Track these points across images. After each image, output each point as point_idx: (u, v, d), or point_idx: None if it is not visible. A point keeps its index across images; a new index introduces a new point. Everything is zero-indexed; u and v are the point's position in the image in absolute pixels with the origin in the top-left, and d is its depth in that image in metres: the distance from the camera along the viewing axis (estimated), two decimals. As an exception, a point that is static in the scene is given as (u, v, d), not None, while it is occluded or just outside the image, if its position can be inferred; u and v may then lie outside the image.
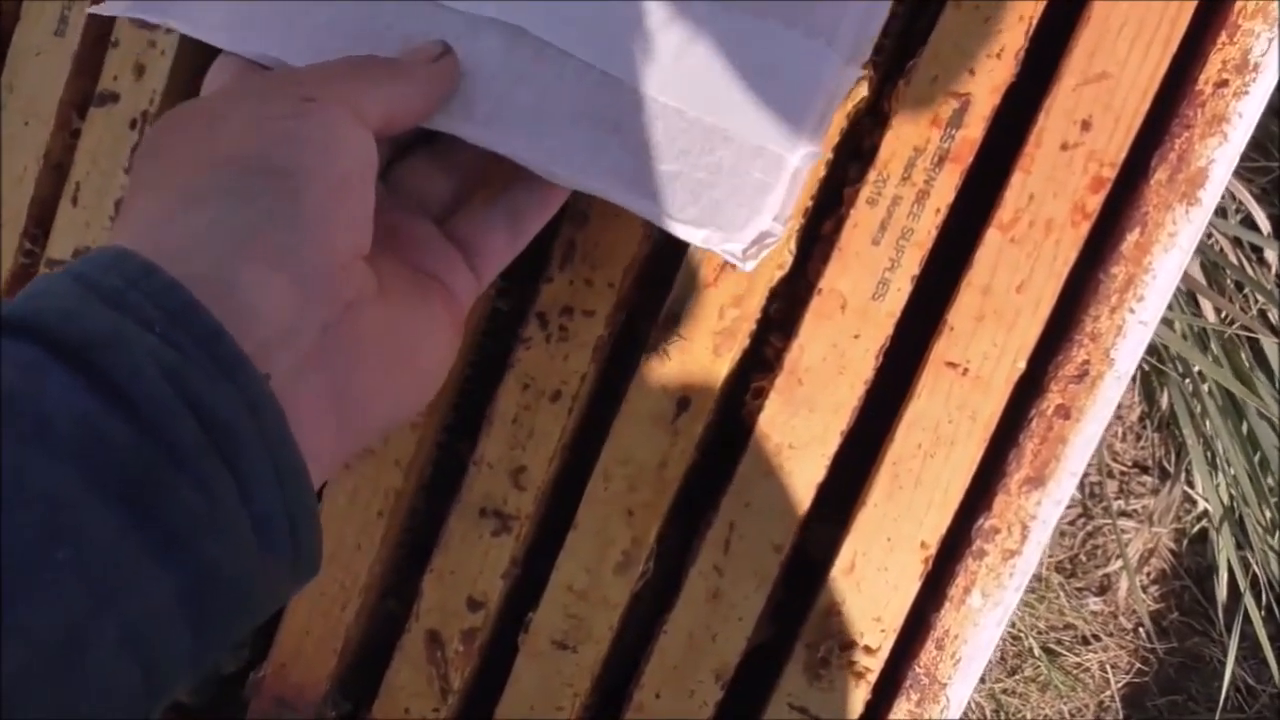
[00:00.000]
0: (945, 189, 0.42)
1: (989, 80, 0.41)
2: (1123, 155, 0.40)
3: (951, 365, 0.42)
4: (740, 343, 0.45)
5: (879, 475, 0.44)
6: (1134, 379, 1.11)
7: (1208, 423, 1.00)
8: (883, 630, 0.44)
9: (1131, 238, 0.40)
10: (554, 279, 0.46)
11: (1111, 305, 0.40)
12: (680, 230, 0.39)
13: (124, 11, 0.42)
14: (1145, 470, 1.15)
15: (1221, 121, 0.39)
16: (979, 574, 0.43)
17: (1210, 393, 0.99)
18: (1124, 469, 1.16)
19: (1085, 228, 0.41)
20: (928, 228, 0.42)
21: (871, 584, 0.44)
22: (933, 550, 0.43)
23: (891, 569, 0.44)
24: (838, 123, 0.43)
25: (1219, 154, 0.39)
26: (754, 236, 0.40)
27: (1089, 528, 1.18)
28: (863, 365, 0.43)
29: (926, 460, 0.43)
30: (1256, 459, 0.99)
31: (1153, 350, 1.02)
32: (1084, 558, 1.18)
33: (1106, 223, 0.41)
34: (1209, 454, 1.03)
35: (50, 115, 0.50)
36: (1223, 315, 0.94)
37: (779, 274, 0.45)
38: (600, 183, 0.40)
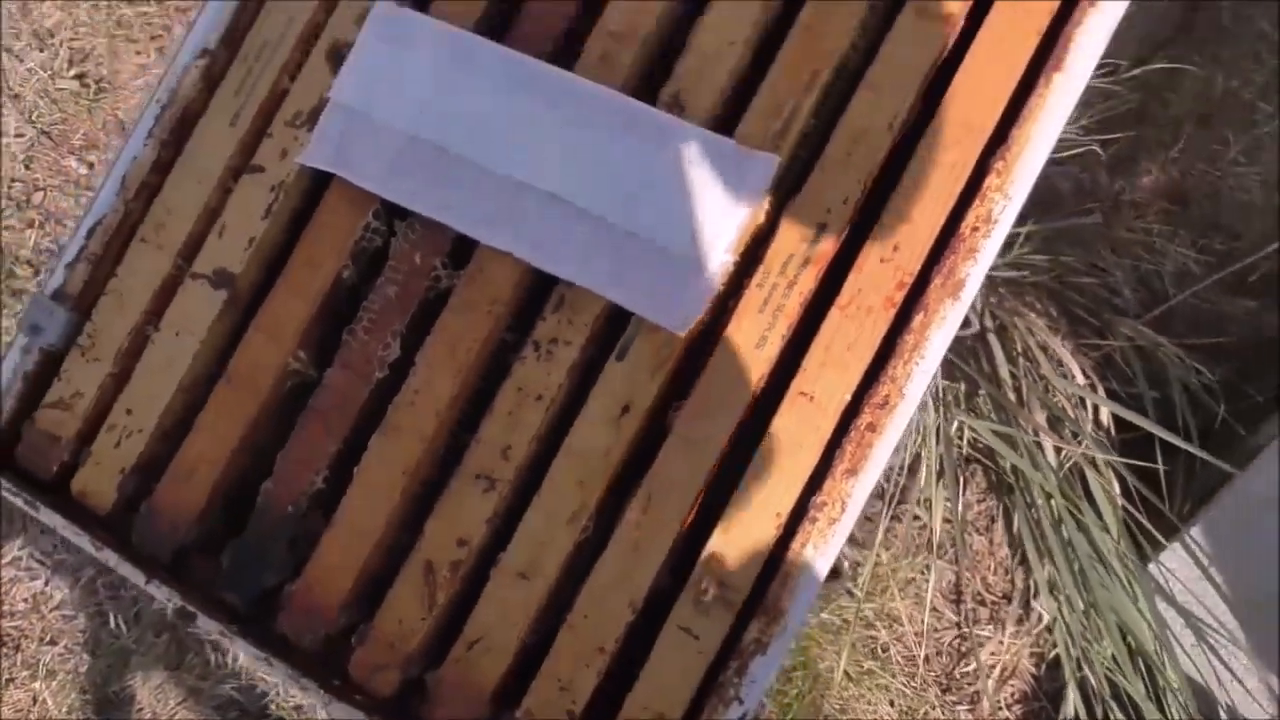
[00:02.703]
0: (808, 280, 0.65)
1: (839, 217, 0.65)
2: (918, 268, 0.64)
3: (803, 394, 0.64)
4: (668, 370, 0.66)
5: (751, 466, 0.64)
6: (1005, 525, 1.33)
7: (1050, 555, 1.22)
8: (747, 574, 0.64)
9: (919, 318, 0.63)
10: (546, 319, 0.68)
11: (905, 359, 0.63)
12: (640, 312, 0.66)
13: (317, 163, 0.70)
14: (1009, 599, 1.35)
15: (974, 252, 0.63)
16: (812, 534, 0.63)
17: (1054, 524, 1.21)
18: (995, 599, 1.36)
19: (892, 311, 0.64)
20: (794, 305, 0.65)
21: (741, 542, 0.64)
22: (784, 519, 0.64)
23: (755, 532, 0.64)
24: (744, 236, 0.66)
25: (972, 271, 0.62)
26: (685, 316, 0.65)
27: (963, 648, 1.36)
28: (745, 392, 0.65)
29: (783, 458, 0.64)
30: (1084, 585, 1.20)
31: (1010, 489, 1.25)
32: (958, 675, 1.36)
33: (906, 308, 0.64)
34: (1050, 583, 1.24)
35: (214, 178, 0.72)
36: (1061, 453, 1.17)
37: (698, 329, 0.67)
38: (589, 279, 0.66)
